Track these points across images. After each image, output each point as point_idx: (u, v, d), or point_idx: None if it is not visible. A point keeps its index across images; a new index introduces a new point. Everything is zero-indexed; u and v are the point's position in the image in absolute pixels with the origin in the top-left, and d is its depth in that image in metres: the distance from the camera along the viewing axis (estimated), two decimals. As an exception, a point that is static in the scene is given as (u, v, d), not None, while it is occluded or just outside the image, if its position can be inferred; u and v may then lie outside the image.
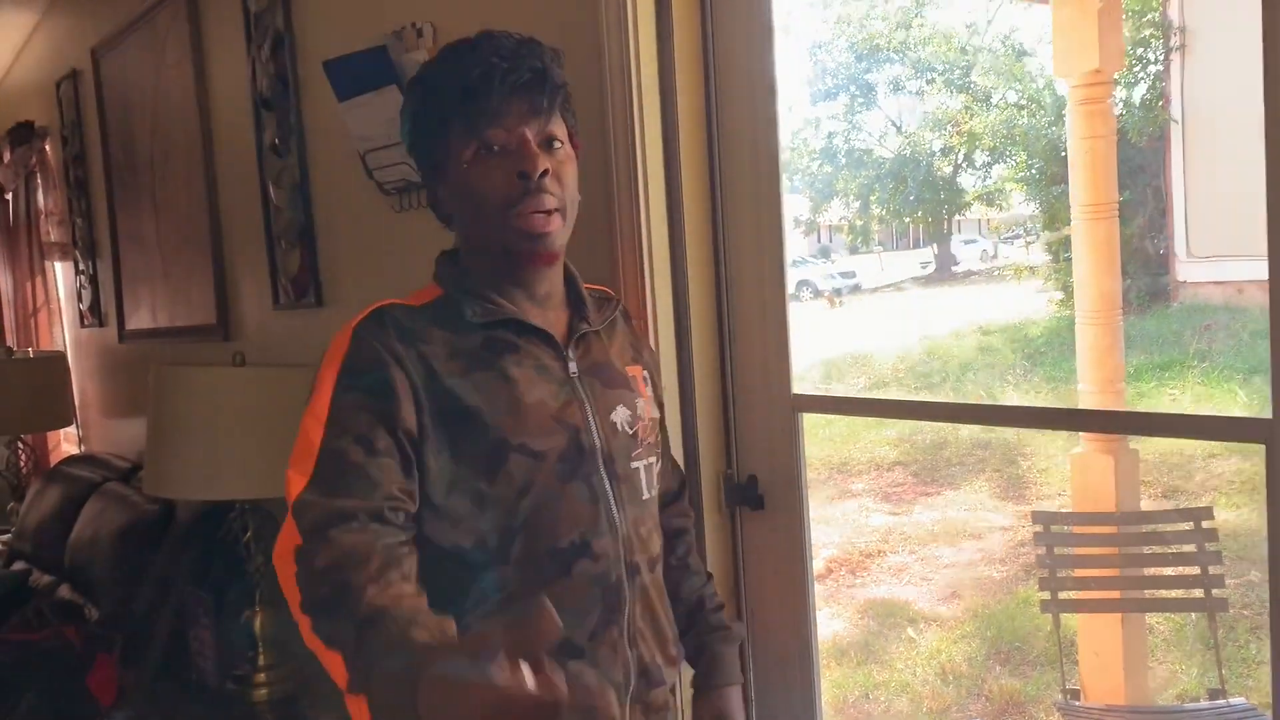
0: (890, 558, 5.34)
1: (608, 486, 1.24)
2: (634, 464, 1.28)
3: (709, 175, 1.74)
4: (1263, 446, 1.15)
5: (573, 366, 1.26)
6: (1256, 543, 4.77)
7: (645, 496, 1.29)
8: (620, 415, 1.28)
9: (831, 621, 4.74)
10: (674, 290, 1.72)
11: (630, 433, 1.28)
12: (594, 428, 1.24)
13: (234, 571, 2.43)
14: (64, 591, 2.97)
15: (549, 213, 1.19)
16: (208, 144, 2.87)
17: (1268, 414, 1.15)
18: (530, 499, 1.19)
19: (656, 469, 1.33)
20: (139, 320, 3.52)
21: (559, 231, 1.22)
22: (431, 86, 1.24)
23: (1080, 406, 3.32)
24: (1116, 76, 4.44)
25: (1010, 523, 5.52)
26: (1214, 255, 7.86)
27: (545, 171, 1.18)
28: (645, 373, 1.37)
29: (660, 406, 1.41)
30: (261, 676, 2.34)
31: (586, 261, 1.78)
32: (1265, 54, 1.10)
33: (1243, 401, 6.49)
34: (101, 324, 3.89)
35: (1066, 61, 3.09)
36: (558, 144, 1.22)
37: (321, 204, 2.45)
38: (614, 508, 1.23)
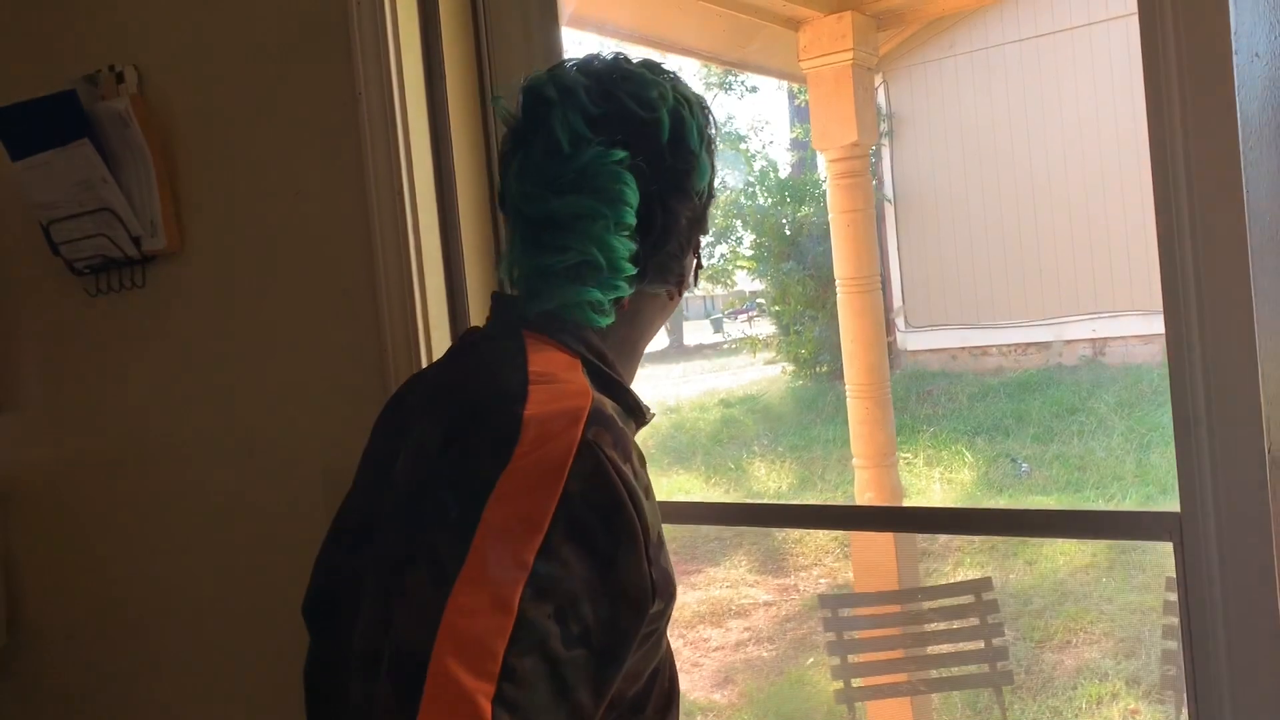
0: (659, 645, 5.16)
1: None
2: None
3: (489, 202, 1.48)
4: (1170, 544, 1.01)
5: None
6: (1003, 601, 4.96)
7: None
8: None
9: (605, 722, 4.47)
10: (450, 313, 1.44)
11: None
12: None
13: None
14: None
15: None
16: None
17: (1174, 506, 1.01)
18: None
19: None
20: None
21: None
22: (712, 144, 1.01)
23: (855, 480, 3.27)
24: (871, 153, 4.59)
25: (773, 598, 5.49)
26: (929, 325, 8.40)
27: None
28: None
29: None
30: None
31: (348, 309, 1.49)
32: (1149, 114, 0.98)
33: (969, 461, 6.88)
34: None
35: (826, 136, 3.08)
36: None
37: (-7, 288, 1.98)
38: None
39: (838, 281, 3.19)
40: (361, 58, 1.39)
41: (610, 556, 0.81)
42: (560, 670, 0.77)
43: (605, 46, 1.01)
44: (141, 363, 1.75)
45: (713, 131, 1.00)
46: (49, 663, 1.94)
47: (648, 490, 0.88)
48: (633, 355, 1.01)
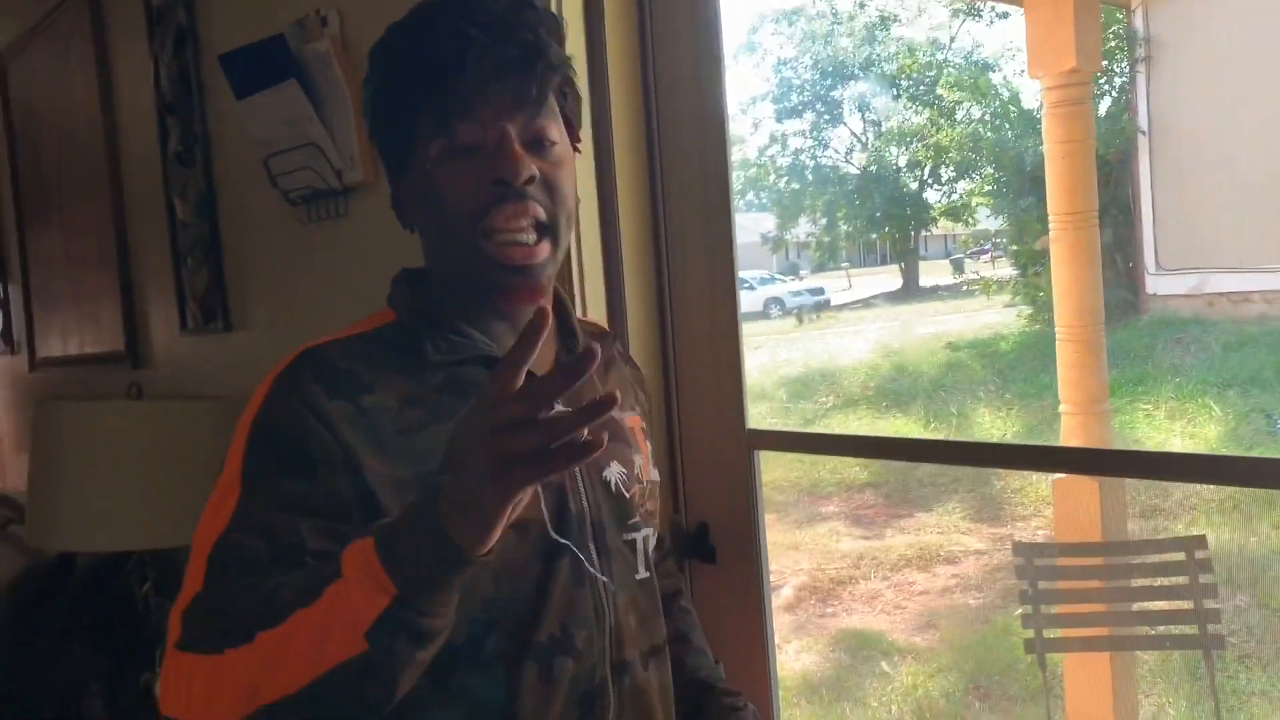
0: (862, 584, 5.13)
1: (596, 563, 0.99)
2: (627, 535, 1.03)
3: (649, 194, 1.53)
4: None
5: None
6: (1241, 564, 4.60)
7: (640, 576, 1.04)
8: (614, 473, 1.03)
9: (801, 656, 4.52)
10: (609, 315, 1.50)
11: (626, 495, 1.03)
12: (582, 489, 0.99)
13: (133, 630, 2.18)
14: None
15: (534, 241, 0.94)
16: (112, 153, 2.62)
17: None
18: (508, 583, 0.93)
19: (653, 542, 1.07)
20: (50, 347, 3.24)
21: (547, 261, 0.95)
22: (393, 60, 0.96)
23: (1061, 428, 3.12)
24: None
25: (985, 546, 5.33)
26: (1183, 268, 7.76)
27: (531, 178, 0.92)
28: (645, 425, 1.13)
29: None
30: (162, 749, 2.09)
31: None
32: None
33: (1216, 415, 6.36)
34: (13, 351, 3.60)
35: (1041, 62, 2.90)
36: (551, 143, 0.95)
37: (229, 217, 2.21)
38: (602, 591, 0.99)
39: (1050, 217, 3.02)
40: None
41: (308, 475, 0.89)
42: (272, 571, 0.85)
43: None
44: (348, 285, 1.92)
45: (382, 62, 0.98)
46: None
47: (413, 427, 0.93)
48: (451, 298, 1.00)
